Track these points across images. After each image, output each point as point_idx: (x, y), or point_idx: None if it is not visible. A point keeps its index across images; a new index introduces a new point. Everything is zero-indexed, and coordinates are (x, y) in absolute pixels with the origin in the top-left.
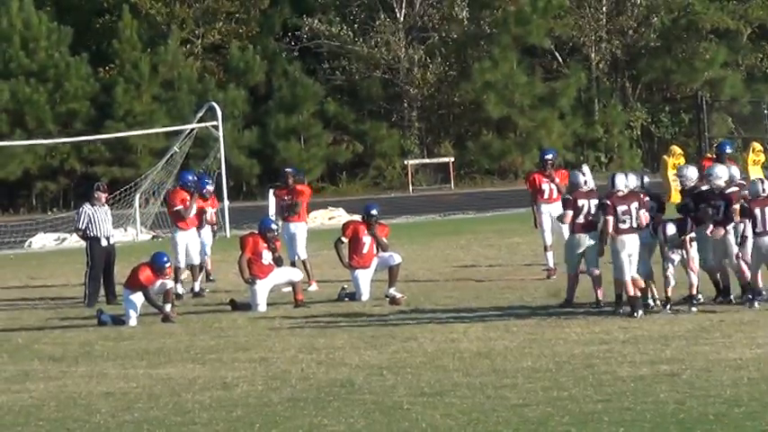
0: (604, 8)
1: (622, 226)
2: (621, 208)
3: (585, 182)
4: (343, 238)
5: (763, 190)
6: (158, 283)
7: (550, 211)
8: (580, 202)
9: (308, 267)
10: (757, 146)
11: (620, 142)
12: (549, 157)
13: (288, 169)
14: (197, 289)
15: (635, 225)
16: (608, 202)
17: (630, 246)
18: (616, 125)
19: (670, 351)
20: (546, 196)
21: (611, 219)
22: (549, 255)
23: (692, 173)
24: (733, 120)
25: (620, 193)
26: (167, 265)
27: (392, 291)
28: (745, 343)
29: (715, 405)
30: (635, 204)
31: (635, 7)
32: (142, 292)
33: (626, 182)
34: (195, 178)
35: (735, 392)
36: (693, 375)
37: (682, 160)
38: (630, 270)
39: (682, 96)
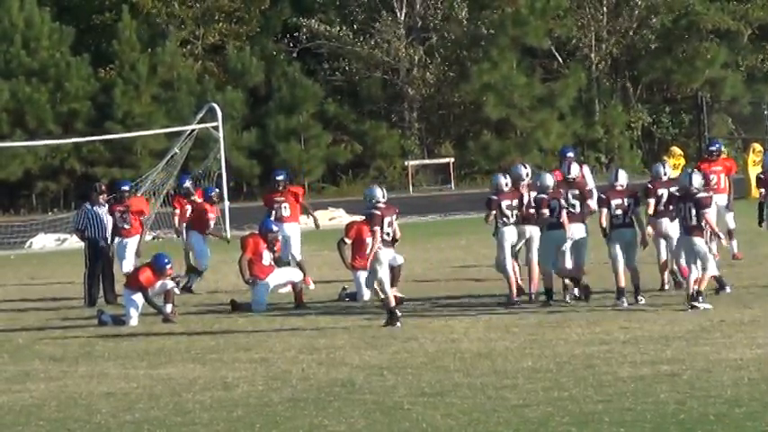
0: (604, 8)
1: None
2: (506, 203)
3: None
4: (346, 239)
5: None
6: (159, 283)
7: None
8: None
9: (303, 268)
10: (757, 146)
11: (621, 143)
12: (571, 155)
13: (279, 177)
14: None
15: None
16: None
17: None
18: (617, 126)
19: (670, 351)
20: None
21: (546, 212)
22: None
23: (548, 180)
24: (733, 120)
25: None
26: (168, 265)
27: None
28: (746, 343)
29: (715, 405)
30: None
31: (635, 8)
32: (142, 294)
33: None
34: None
35: (735, 393)
36: (694, 376)
37: (682, 161)
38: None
39: (682, 97)
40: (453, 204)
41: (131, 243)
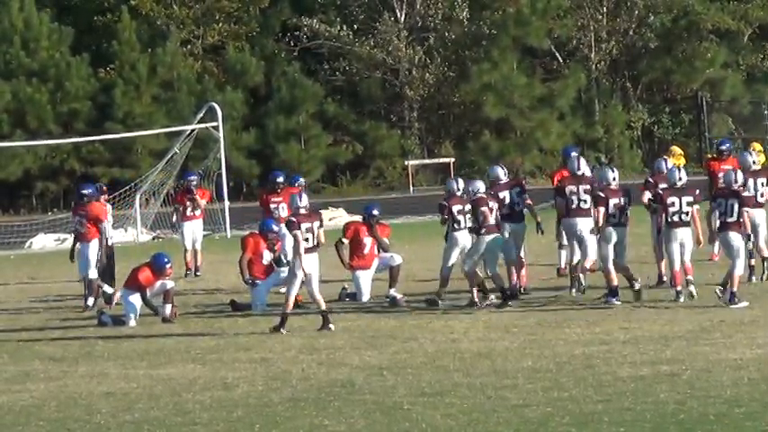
0: (604, 8)
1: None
2: (456, 207)
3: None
4: (344, 239)
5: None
6: (158, 283)
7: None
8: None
9: None
10: (757, 146)
11: (621, 143)
12: (575, 154)
13: (279, 179)
14: (89, 303)
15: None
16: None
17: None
18: (617, 125)
19: (670, 351)
20: None
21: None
22: (563, 253)
23: (479, 185)
24: (733, 120)
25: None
26: (168, 265)
27: (393, 291)
28: (746, 343)
29: (715, 405)
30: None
31: (635, 8)
32: (140, 294)
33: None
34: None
35: (735, 393)
36: (694, 376)
37: (682, 161)
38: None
39: (682, 97)
40: None
41: (90, 248)
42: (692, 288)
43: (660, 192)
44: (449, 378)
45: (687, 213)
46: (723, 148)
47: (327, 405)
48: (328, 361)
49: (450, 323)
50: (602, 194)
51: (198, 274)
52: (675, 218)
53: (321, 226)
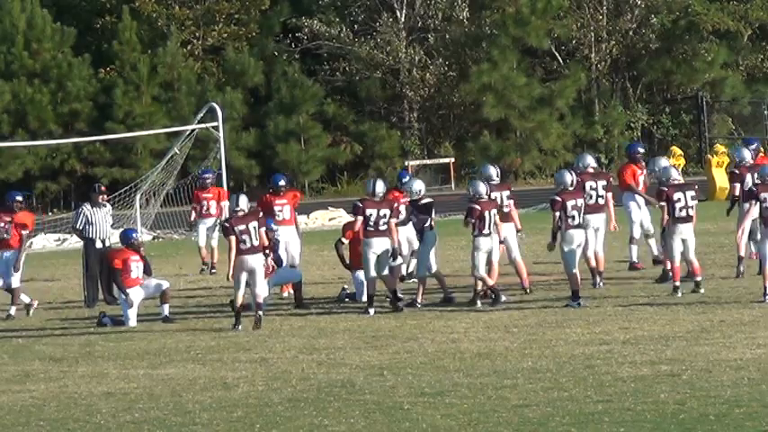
0: (604, 8)
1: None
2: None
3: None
4: (344, 239)
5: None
6: (154, 283)
7: (640, 202)
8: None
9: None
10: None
11: (621, 143)
12: (642, 150)
13: (281, 182)
14: (12, 313)
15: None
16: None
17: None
18: (617, 126)
19: (670, 351)
20: (641, 187)
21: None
22: (634, 248)
23: (417, 185)
24: (733, 120)
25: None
26: (134, 235)
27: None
28: (746, 343)
29: (715, 405)
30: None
31: (635, 8)
32: (113, 274)
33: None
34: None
35: (735, 393)
36: (694, 376)
37: (682, 161)
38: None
39: (682, 97)
40: (453, 204)
41: (11, 256)
42: (701, 291)
43: (664, 189)
44: (449, 378)
45: (692, 207)
46: (752, 147)
47: (327, 405)
48: (328, 361)
49: (450, 323)
50: (558, 198)
51: (213, 270)
52: (683, 213)
53: (261, 226)
